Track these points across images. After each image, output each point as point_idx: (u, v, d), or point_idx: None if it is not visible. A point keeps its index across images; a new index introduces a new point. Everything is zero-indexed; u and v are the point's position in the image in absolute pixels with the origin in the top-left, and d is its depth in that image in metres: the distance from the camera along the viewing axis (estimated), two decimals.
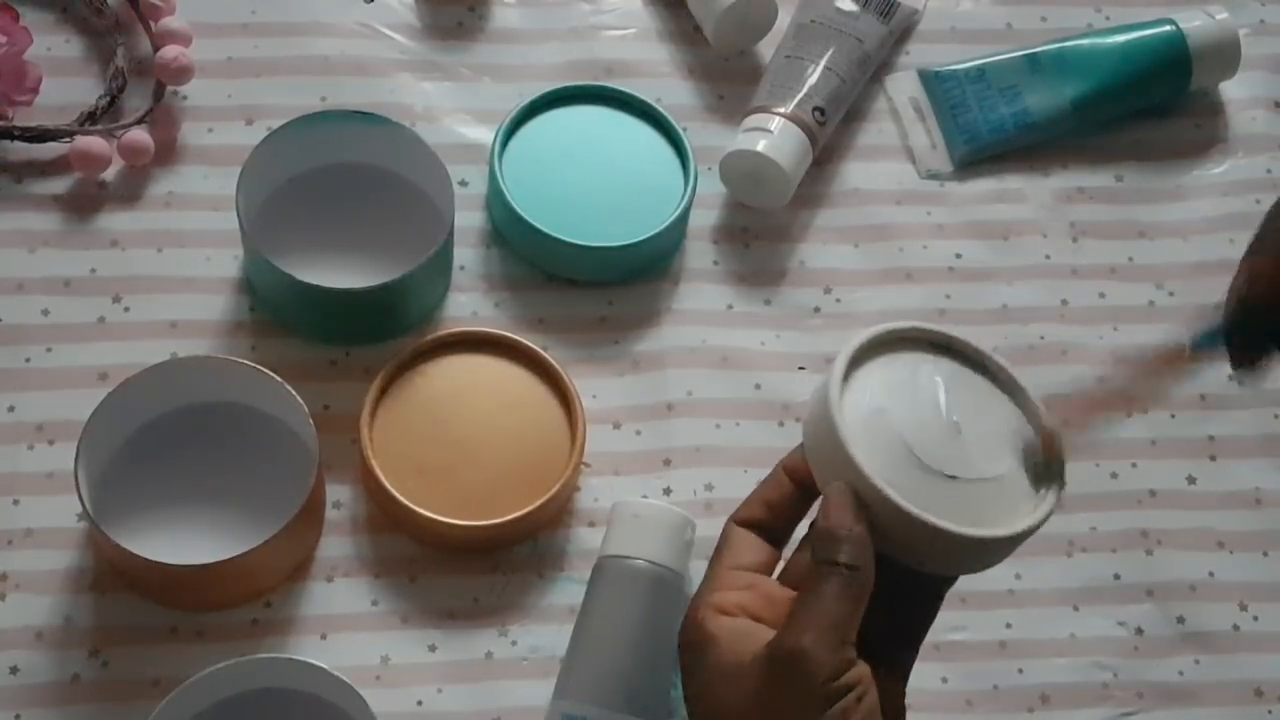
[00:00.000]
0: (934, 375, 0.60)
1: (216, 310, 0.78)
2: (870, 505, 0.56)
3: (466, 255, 0.81)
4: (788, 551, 0.61)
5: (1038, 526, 0.58)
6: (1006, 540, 0.57)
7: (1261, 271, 0.59)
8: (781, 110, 0.82)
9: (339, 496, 0.75)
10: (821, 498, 0.57)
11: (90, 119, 0.81)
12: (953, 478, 0.57)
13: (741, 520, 0.61)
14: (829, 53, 0.85)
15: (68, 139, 0.80)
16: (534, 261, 0.81)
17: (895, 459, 0.57)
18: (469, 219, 0.82)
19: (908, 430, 0.57)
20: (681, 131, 0.83)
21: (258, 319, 0.78)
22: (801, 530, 0.61)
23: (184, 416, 0.74)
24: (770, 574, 0.60)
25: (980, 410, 0.60)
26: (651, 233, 0.79)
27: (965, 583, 0.75)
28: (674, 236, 0.82)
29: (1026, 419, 0.61)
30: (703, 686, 0.56)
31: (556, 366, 0.76)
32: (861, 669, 0.55)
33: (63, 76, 0.83)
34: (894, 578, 0.56)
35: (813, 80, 0.84)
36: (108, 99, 0.82)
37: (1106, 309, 0.84)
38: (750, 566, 0.59)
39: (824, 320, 0.82)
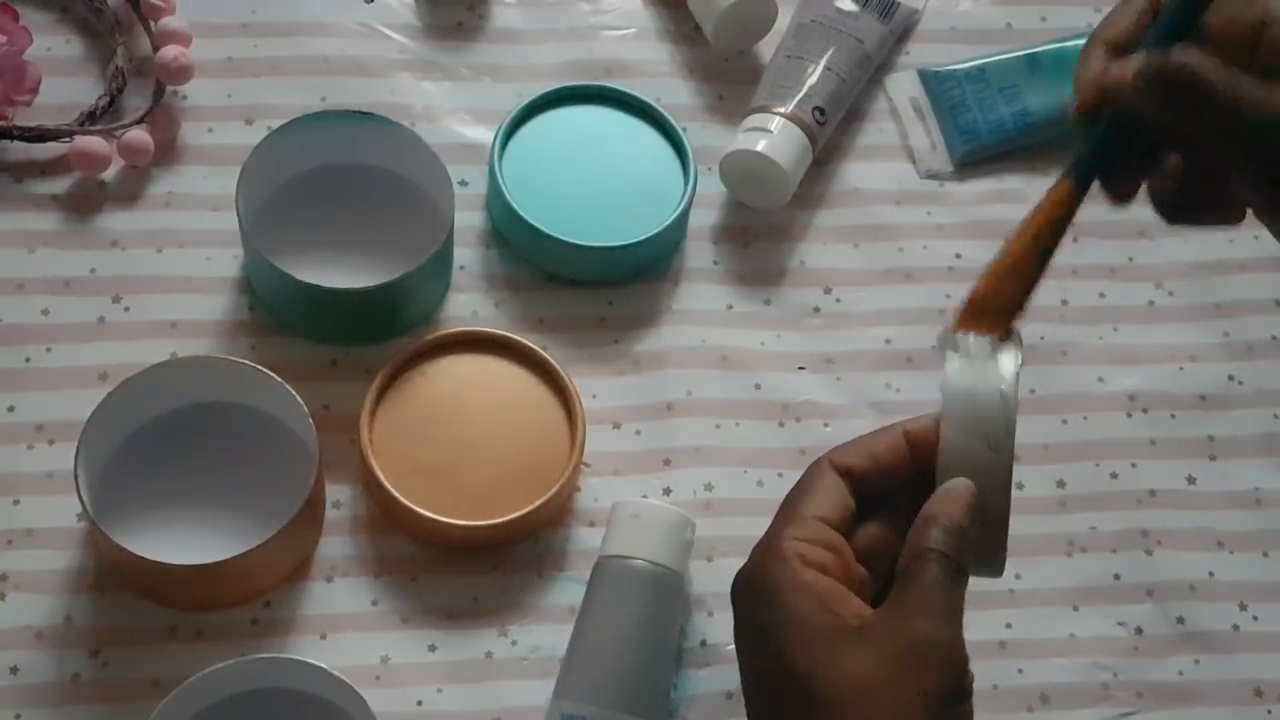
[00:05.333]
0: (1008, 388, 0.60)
1: (216, 310, 0.78)
2: (980, 519, 0.56)
3: (466, 255, 0.81)
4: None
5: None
6: None
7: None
8: (781, 110, 0.82)
9: (339, 496, 0.75)
10: (947, 486, 0.56)
11: (90, 119, 0.81)
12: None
13: (840, 465, 0.58)
14: (829, 53, 0.85)
15: (68, 139, 0.80)
16: (534, 261, 0.81)
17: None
18: (469, 219, 0.82)
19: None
20: (681, 131, 0.83)
21: (258, 319, 0.78)
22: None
23: (184, 416, 0.74)
24: (844, 533, 0.58)
25: None
26: (651, 233, 0.79)
27: None
28: (674, 236, 0.82)
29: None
30: (791, 637, 0.54)
31: (556, 366, 0.76)
32: (970, 670, 0.55)
33: (63, 76, 0.83)
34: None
35: (813, 80, 0.84)
36: (108, 99, 0.82)
37: (1106, 309, 0.84)
38: (831, 519, 0.57)
39: (824, 320, 0.82)
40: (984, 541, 0.56)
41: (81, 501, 0.68)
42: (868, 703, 0.53)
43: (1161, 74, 0.55)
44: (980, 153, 0.87)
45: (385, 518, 0.74)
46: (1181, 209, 0.60)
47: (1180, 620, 0.76)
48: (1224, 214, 0.61)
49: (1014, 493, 0.78)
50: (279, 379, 0.72)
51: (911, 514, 0.56)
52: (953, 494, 0.56)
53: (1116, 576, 0.77)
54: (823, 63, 0.84)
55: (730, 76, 0.88)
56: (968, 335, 0.58)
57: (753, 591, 0.56)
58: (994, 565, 0.58)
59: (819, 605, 0.54)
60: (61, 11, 0.86)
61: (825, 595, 0.55)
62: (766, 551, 0.56)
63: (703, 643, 0.73)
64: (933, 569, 0.54)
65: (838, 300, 0.82)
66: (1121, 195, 0.59)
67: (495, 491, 0.73)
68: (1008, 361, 0.57)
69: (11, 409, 0.75)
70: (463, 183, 0.82)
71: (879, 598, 0.56)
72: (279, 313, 0.78)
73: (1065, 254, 0.84)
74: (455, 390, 0.76)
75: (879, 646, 0.53)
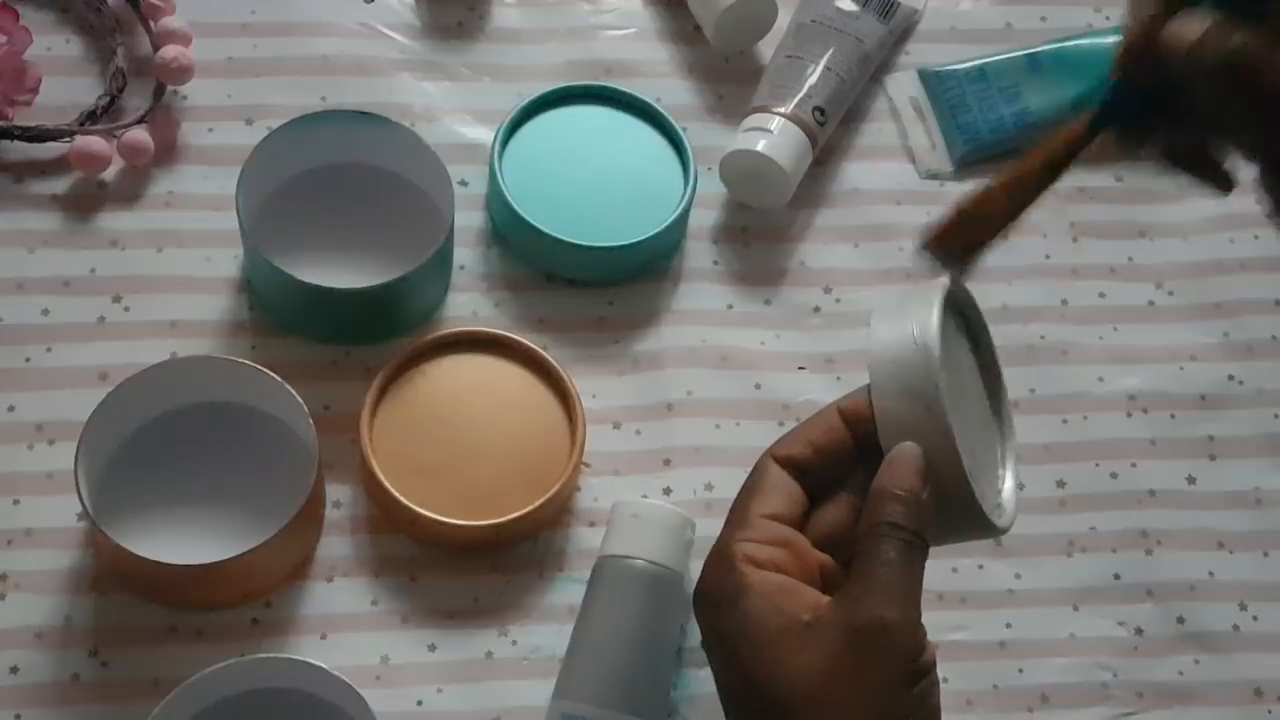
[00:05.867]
0: (965, 347, 0.59)
1: (216, 310, 0.78)
2: (938, 480, 0.55)
3: (466, 255, 0.81)
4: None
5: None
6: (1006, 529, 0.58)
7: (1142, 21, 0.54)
8: (781, 110, 0.82)
9: (339, 496, 0.75)
10: (890, 456, 0.55)
11: (90, 119, 0.81)
12: (974, 452, 0.57)
13: (781, 458, 0.58)
14: (829, 53, 0.85)
15: (68, 139, 0.80)
16: (534, 261, 0.81)
17: (959, 430, 0.56)
18: (469, 219, 0.82)
19: (960, 401, 0.56)
20: (681, 131, 0.83)
21: (258, 319, 0.78)
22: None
23: (184, 416, 0.74)
24: (797, 525, 0.57)
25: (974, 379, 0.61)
26: (651, 233, 0.79)
27: (965, 583, 0.75)
28: (674, 236, 0.82)
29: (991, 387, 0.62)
30: (744, 643, 0.54)
31: (556, 366, 0.76)
32: (930, 645, 0.54)
33: (63, 76, 0.83)
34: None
35: (813, 80, 0.84)
36: (108, 99, 0.82)
37: (1106, 309, 0.84)
38: (782, 515, 0.57)
39: (824, 320, 0.82)
40: (950, 504, 0.55)
41: (81, 501, 0.68)
42: (824, 697, 0.52)
43: (1227, 63, 0.51)
44: (980, 153, 0.87)
45: (385, 518, 0.74)
46: (1185, 163, 0.58)
47: (1180, 620, 0.76)
48: (1222, 181, 0.58)
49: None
50: (279, 379, 0.72)
51: (866, 489, 0.56)
52: (898, 462, 0.55)
53: (1116, 576, 0.77)
54: (823, 63, 0.84)
55: (730, 76, 0.88)
56: (931, 252, 0.56)
57: (707, 601, 0.56)
58: (981, 526, 0.57)
59: (769, 605, 0.54)
60: (61, 11, 0.86)
61: (775, 594, 0.54)
62: (715, 559, 0.56)
63: (703, 643, 0.72)
64: (884, 545, 0.54)
65: (838, 300, 0.82)
66: (1135, 144, 0.56)
67: (495, 491, 0.73)
68: (930, 314, 0.56)
69: (11, 409, 0.75)
70: (463, 183, 0.82)
71: None
72: (279, 313, 0.78)
73: (1065, 254, 0.85)
74: (455, 390, 0.76)
75: (828, 638, 0.53)
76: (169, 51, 0.81)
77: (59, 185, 0.81)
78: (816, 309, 0.82)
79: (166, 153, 0.82)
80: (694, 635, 0.73)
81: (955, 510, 0.56)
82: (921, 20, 0.91)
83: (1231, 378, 0.82)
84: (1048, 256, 0.85)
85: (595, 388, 0.78)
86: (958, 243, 0.57)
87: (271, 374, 0.72)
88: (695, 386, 0.79)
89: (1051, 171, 0.56)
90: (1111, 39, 0.88)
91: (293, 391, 0.71)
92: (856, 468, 0.58)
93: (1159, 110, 0.55)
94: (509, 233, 0.81)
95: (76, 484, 0.68)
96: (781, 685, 0.53)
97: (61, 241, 0.79)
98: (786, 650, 0.53)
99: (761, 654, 0.54)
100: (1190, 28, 0.52)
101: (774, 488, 0.58)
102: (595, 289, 0.81)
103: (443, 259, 0.78)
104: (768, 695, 0.53)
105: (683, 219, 0.82)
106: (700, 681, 0.72)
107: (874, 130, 0.88)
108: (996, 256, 0.83)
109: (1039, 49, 0.88)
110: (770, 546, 0.56)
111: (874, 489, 0.55)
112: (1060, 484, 0.78)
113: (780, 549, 0.56)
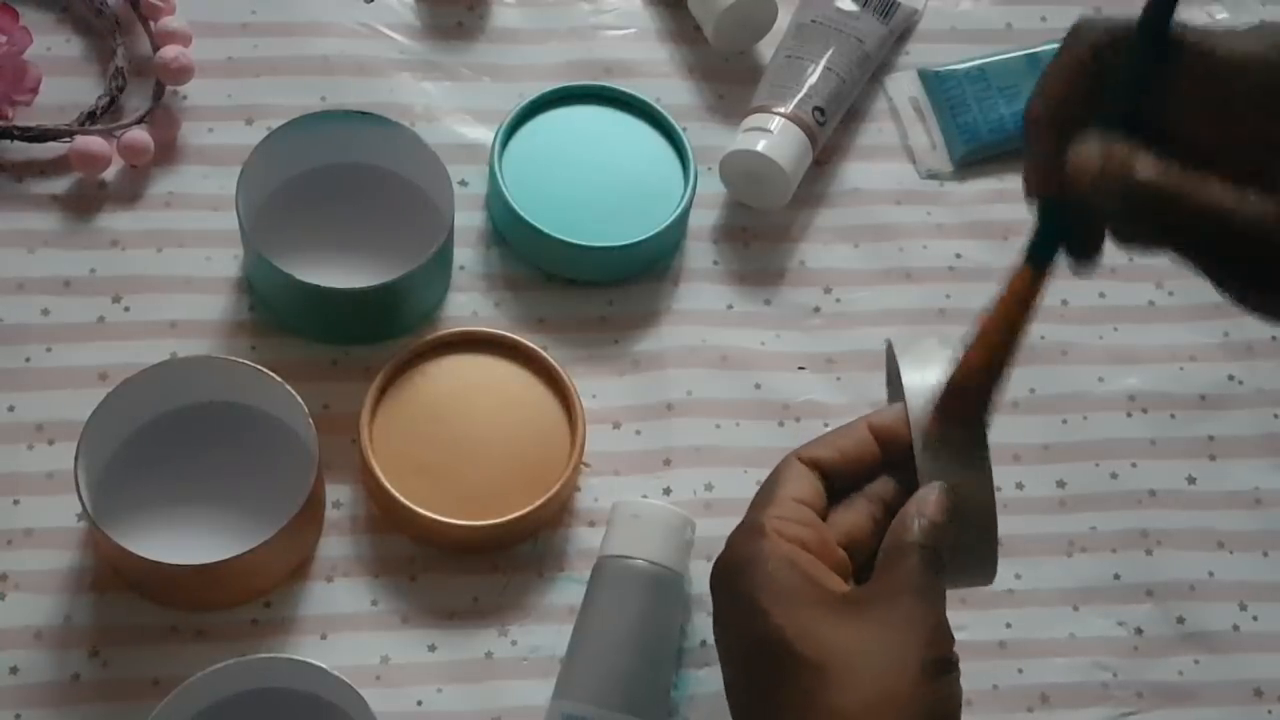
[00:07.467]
0: None
1: (216, 310, 0.78)
2: (964, 524, 0.56)
3: (466, 255, 0.81)
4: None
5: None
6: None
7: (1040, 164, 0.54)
8: (781, 110, 0.82)
9: (339, 496, 0.75)
10: (921, 492, 0.56)
11: (90, 119, 0.81)
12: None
13: (806, 458, 0.59)
14: (829, 53, 0.85)
15: (68, 139, 0.80)
16: (534, 261, 0.81)
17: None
18: (469, 219, 0.82)
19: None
20: (681, 131, 0.83)
21: (258, 319, 0.78)
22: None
23: (184, 416, 0.74)
24: (820, 517, 0.58)
25: None
26: (651, 233, 0.79)
27: None
28: (674, 236, 0.82)
29: None
30: (774, 605, 0.54)
31: (556, 366, 0.76)
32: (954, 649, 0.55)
33: (63, 76, 0.83)
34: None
35: (813, 80, 0.84)
36: (108, 99, 0.82)
37: (1106, 309, 0.84)
38: (805, 499, 0.58)
39: (824, 320, 0.82)
40: (970, 539, 0.56)
41: (81, 501, 0.68)
42: (857, 666, 0.53)
43: (1127, 194, 0.49)
44: (980, 153, 0.87)
45: (385, 518, 0.74)
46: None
47: (1180, 620, 0.76)
48: None
49: (1015, 493, 0.79)
50: (279, 379, 0.72)
51: (884, 503, 0.58)
52: (930, 497, 0.56)
53: (1116, 576, 0.77)
54: (823, 63, 0.84)
55: (730, 76, 0.88)
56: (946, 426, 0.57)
57: (732, 569, 0.56)
58: (985, 568, 0.58)
59: (801, 575, 0.55)
60: (61, 11, 0.86)
61: (806, 565, 0.55)
62: (744, 531, 0.57)
63: (703, 643, 0.73)
64: (913, 557, 0.55)
65: (838, 300, 0.82)
66: (1089, 265, 0.55)
67: (495, 491, 0.73)
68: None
69: (11, 409, 0.75)
70: (463, 183, 0.82)
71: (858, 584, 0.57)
72: (279, 313, 0.78)
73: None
74: (455, 390, 0.76)
75: (867, 614, 0.54)
76: (169, 51, 0.81)
77: (59, 185, 0.81)
78: (816, 309, 0.82)
79: (166, 153, 0.82)
80: (694, 635, 0.73)
81: (971, 557, 0.57)
82: (921, 20, 0.91)
83: (1231, 378, 0.82)
84: None
85: (595, 388, 0.78)
86: (963, 410, 0.56)
87: (271, 374, 0.72)
88: (695, 386, 0.79)
89: (1019, 324, 0.55)
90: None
91: (293, 391, 0.71)
92: (878, 480, 0.59)
93: (1091, 231, 0.54)
94: (509, 233, 0.81)
95: (76, 484, 0.68)
96: (815, 648, 0.53)
97: (61, 241, 0.79)
98: (821, 617, 0.54)
99: (793, 617, 0.54)
100: (1090, 156, 0.50)
101: (797, 479, 0.59)
102: (595, 289, 0.81)
103: (443, 259, 0.78)
104: (796, 656, 0.53)
105: (683, 219, 0.82)
106: (700, 681, 0.72)
107: (874, 130, 0.88)
108: (997, 256, 0.84)
109: (1039, 49, 0.88)
110: (797, 525, 0.57)
111: (905, 511, 0.56)
112: (1060, 484, 0.78)
113: (806, 529, 0.57)
